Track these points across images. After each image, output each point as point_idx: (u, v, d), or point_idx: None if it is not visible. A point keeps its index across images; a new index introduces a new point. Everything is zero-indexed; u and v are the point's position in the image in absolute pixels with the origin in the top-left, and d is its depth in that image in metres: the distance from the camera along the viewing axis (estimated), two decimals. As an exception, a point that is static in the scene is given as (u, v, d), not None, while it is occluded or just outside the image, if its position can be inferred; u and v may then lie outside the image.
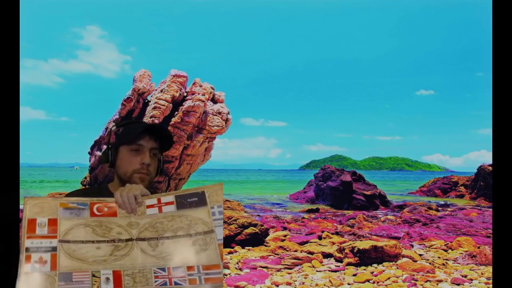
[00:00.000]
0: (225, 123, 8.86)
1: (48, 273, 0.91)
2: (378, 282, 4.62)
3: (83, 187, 8.20)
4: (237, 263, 5.52)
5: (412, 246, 6.95)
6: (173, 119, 8.09)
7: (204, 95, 8.49)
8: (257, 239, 6.72)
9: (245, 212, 9.09)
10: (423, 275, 4.78)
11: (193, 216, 1.00)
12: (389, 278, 4.72)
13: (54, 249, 0.94)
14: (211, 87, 9.19)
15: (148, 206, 1.02)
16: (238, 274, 4.92)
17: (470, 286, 4.49)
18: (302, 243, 6.86)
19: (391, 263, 5.38)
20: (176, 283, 0.95)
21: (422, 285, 4.49)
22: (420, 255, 6.03)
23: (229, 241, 6.52)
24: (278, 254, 6.06)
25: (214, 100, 9.29)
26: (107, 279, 0.93)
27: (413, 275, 4.83)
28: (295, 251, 6.23)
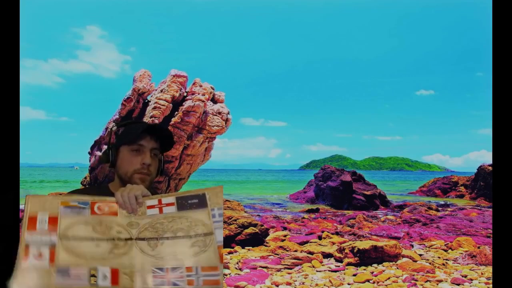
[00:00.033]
0: (225, 123, 8.86)
1: (46, 267, 0.92)
2: (378, 282, 4.62)
3: (83, 187, 8.20)
4: (237, 263, 5.52)
5: (412, 246, 6.95)
6: (173, 119, 8.09)
7: (204, 95, 8.49)
8: (257, 239, 6.72)
9: (245, 212, 9.09)
10: (423, 275, 4.78)
11: (193, 218, 1.00)
12: (389, 278, 4.72)
13: (53, 244, 0.94)
14: (211, 87, 9.19)
15: (149, 207, 1.03)
16: (238, 274, 4.92)
17: (470, 286, 4.49)
18: (302, 243, 6.87)
19: (391, 263, 5.38)
20: (174, 284, 0.95)
21: (422, 285, 4.49)
22: (420, 255, 6.03)
23: (229, 241, 6.52)
24: (278, 254, 6.06)
25: (214, 100, 9.29)
26: (105, 276, 0.94)
27: (413, 275, 4.83)
28: (295, 251, 6.23)
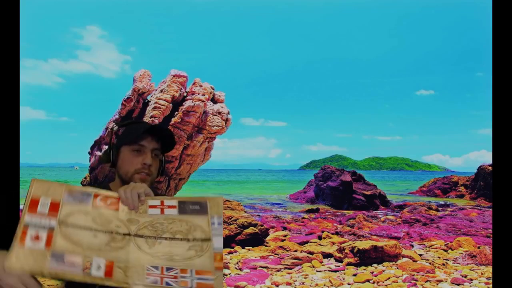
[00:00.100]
0: (225, 123, 8.86)
1: (41, 250, 0.92)
2: (378, 282, 4.62)
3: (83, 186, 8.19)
4: (237, 263, 5.52)
5: (412, 246, 6.95)
6: (173, 119, 8.09)
7: (204, 95, 8.49)
8: (257, 239, 6.72)
9: (245, 212, 9.10)
10: (423, 275, 4.79)
11: (193, 223, 1.02)
12: (389, 278, 4.72)
13: (51, 228, 0.95)
14: (211, 87, 9.19)
15: (151, 206, 1.04)
16: (238, 274, 4.92)
17: (470, 286, 4.49)
18: (302, 243, 6.87)
19: (391, 263, 5.38)
20: (167, 283, 0.96)
21: (422, 285, 4.49)
22: (420, 255, 6.03)
23: (229, 241, 6.52)
24: (278, 254, 6.06)
25: (214, 100, 9.30)
26: (99, 267, 0.94)
27: (413, 275, 4.83)
28: (295, 251, 6.23)
